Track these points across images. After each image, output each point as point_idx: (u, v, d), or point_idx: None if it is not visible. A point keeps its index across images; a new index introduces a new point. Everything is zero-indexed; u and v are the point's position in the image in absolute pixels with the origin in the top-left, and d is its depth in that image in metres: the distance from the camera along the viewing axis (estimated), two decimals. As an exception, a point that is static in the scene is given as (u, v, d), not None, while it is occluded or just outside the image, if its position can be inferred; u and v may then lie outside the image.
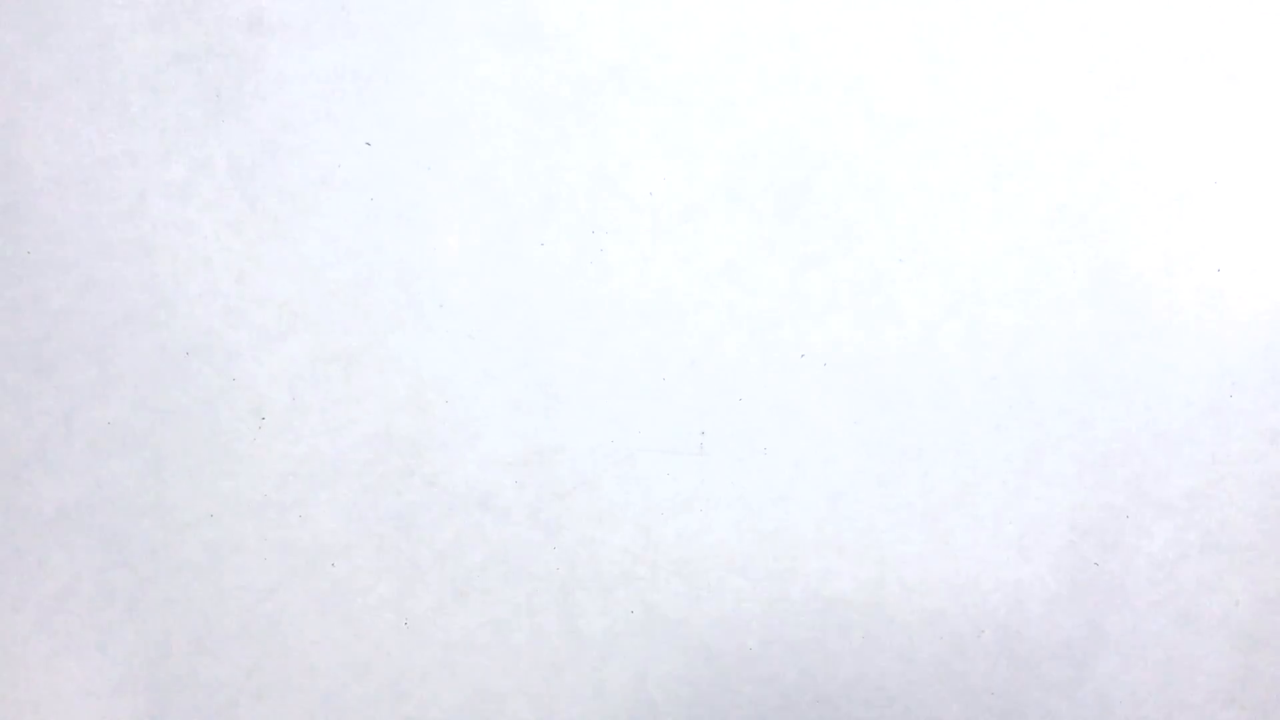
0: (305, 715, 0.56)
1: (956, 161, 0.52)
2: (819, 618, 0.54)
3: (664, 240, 0.50)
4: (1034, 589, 0.55)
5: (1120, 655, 0.56)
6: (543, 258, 0.50)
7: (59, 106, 0.47)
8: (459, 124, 0.49)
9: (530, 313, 0.51)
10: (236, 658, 0.56)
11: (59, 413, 0.52)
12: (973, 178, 0.52)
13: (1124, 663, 0.56)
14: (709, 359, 0.52)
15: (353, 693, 0.56)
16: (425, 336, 0.51)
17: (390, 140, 0.49)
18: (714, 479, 0.53)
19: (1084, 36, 0.52)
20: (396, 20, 0.47)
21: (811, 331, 0.52)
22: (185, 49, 0.47)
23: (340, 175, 0.49)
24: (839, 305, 0.52)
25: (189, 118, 0.48)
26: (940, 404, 0.54)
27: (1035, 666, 0.55)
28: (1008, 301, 0.54)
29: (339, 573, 0.54)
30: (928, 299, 0.53)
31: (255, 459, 0.53)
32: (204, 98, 0.47)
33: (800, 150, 0.51)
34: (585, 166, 0.49)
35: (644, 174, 0.50)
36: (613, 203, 0.50)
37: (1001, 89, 0.52)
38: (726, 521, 0.54)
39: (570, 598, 0.54)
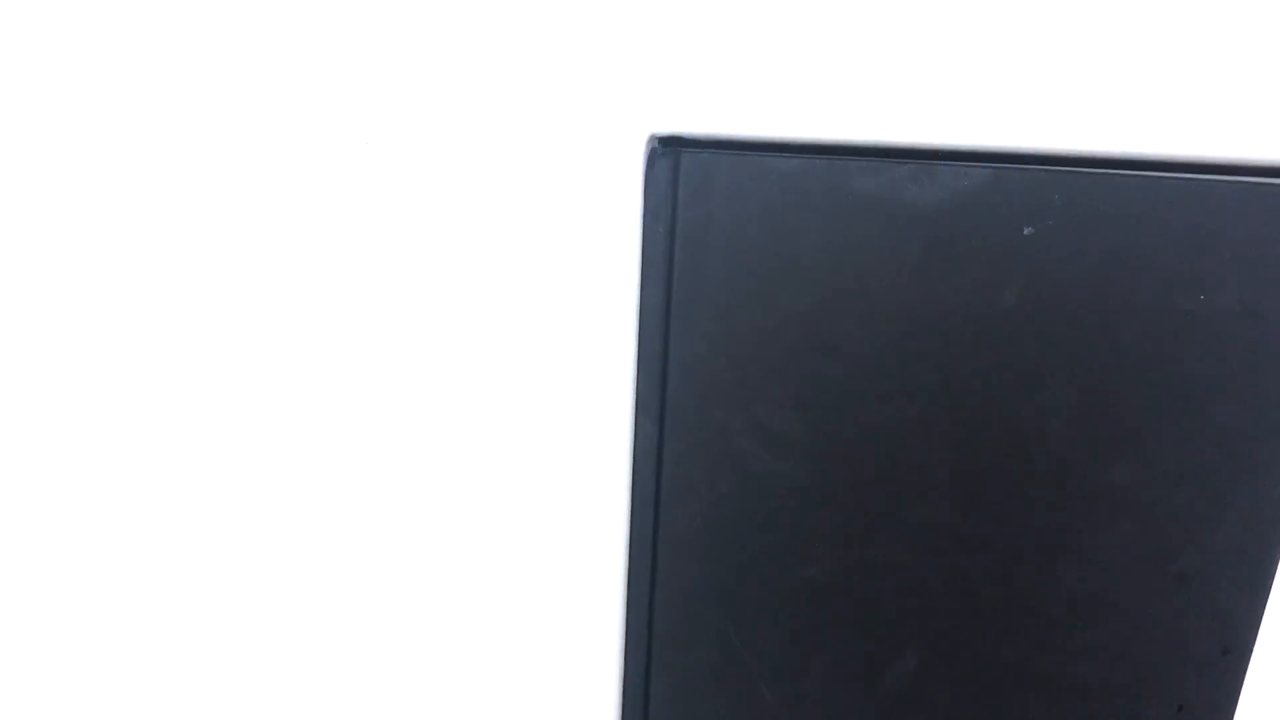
0: (305, 715, 0.57)
1: None
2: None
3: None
4: None
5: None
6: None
7: (60, 105, 0.45)
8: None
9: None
10: (234, 657, 0.56)
11: (57, 410, 0.51)
12: None
13: None
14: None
15: (353, 693, 0.57)
16: (427, 335, 0.50)
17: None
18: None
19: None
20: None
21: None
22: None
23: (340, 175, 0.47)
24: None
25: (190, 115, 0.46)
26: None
27: None
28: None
29: (339, 573, 0.54)
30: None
31: (257, 459, 0.52)
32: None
33: None
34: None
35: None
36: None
37: None
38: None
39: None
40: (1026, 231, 0.45)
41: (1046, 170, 0.45)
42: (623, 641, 0.54)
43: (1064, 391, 0.47)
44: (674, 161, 0.45)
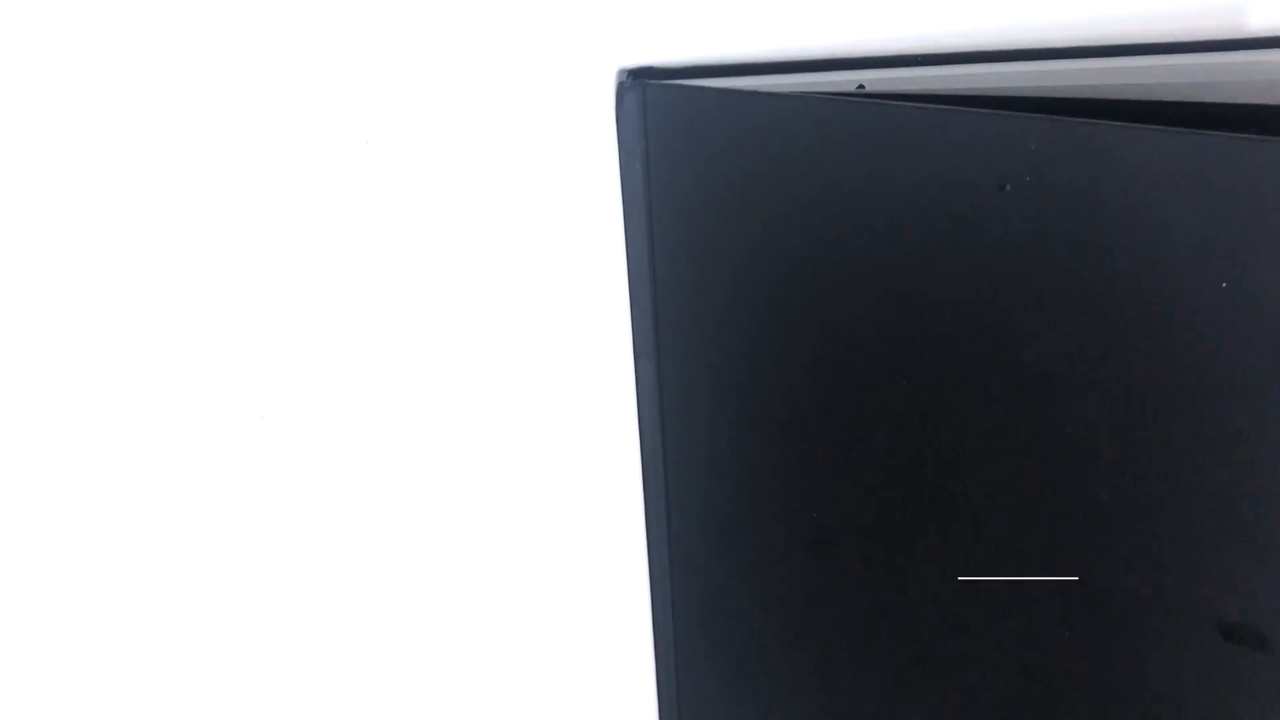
0: (304, 715, 0.58)
1: None
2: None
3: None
4: None
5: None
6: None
7: (60, 103, 0.45)
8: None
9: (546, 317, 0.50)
10: (234, 657, 0.57)
11: (57, 410, 0.51)
12: None
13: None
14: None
15: (353, 693, 0.57)
16: (427, 335, 0.50)
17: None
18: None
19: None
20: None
21: None
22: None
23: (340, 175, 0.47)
24: None
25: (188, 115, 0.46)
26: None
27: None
28: None
29: (339, 573, 0.55)
30: None
31: (255, 459, 0.52)
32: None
33: None
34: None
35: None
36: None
37: None
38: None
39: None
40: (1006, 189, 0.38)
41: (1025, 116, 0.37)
42: (650, 583, 0.54)
43: (1076, 381, 0.40)
44: (641, 94, 0.43)
